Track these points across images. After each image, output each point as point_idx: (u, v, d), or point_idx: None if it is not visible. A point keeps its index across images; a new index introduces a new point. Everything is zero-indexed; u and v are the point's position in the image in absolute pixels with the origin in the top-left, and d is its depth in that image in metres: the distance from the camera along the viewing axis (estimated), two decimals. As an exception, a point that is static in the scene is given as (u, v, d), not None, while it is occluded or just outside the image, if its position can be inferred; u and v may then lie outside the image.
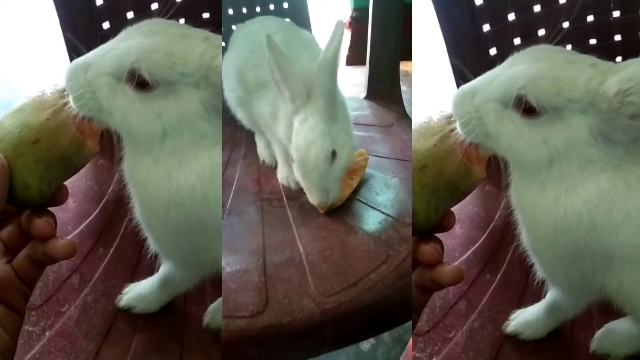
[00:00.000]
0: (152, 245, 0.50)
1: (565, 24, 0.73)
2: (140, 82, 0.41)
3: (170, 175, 0.43)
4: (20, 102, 0.41)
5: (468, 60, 0.73)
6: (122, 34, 0.43)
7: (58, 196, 0.41)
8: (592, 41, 0.74)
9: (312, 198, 0.60)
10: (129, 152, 0.45)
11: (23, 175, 0.38)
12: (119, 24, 0.44)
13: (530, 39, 0.75)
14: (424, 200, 0.41)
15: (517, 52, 0.44)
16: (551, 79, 0.39)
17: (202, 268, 0.51)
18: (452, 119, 0.44)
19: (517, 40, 0.75)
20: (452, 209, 0.43)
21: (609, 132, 0.39)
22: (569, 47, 0.74)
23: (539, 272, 0.49)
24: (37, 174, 0.38)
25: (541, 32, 0.75)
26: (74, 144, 0.40)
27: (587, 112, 0.39)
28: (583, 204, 0.40)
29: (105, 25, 0.72)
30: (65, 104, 0.41)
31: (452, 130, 0.43)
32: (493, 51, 0.75)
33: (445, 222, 0.42)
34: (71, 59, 0.43)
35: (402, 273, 0.53)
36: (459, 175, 0.42)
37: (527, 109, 0.40)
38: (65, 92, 0.41)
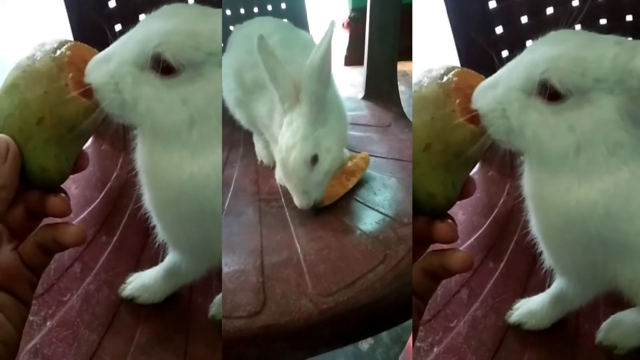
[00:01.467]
0: (160, 234, 0.49)
1: (575, 2, 0.72)
2: (164, 68, 0.38)
3: (182, 163, 0.41)
4: (11, 75, 0.38)
5: (473, 39, 0.71)
6: (141, 23, 0.41)
7: (79, 164, 0.40)
8: (603, 21, 0.72)
9: (294, 199, 0.60)
10: (146, 141, 0.43)
11: (38, 159, 0.36)
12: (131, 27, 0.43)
13: (538, 17, 0.73)
14: (439, 180, 0.38)
15: (535, 40, 0.41)
16: (574, 59, 0.37)
17: (209, 259, 0.50)
18: (443, 80, 0.40)
19: (524, 19, 0.74)
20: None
21: (639, 112, 0.37)
22: (578, 27, 0.73)
23: (547, 260, 0.48)
24: (51, 154, 0.37)
25: (549, 10, 0.73)
26: (81, 109, 0.37)
27: (615, 92, 0.37)
28: (599, 194, 0.38)
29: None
30: (59, 67, 0.37)
31: (447, 94, 0.40)
32: (499, 30, 0.74)
33: (465, 190, 0.40)
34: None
35: (399, 273, 0.53)
36: (467, 141, 0.39)
37: (551, 94, 0.37)
38: (57, 54, 0.38)
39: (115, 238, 0.61)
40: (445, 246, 0.40)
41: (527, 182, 0.44)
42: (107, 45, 0.41)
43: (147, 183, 0.45)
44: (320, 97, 0.58)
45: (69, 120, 0.37)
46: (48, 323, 0.51)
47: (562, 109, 0.38)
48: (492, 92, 0.40)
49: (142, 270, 0.56)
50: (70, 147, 0.38)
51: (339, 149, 0.62)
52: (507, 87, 0.39)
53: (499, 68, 0.42)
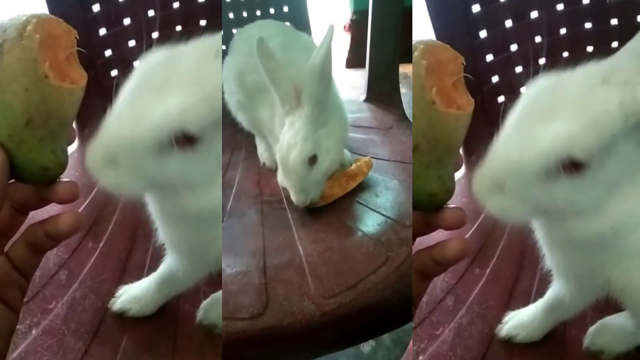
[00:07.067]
0: (162, 236, 0.48)
1: (560, 7, 0.72)
2: (187, 139, 0.37)
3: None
4: None
5: (457, 43, 0.69)
6: (132, 99, 0.38)
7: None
8: (588, 25, 0.72)
9: (292, 197, 0.61)
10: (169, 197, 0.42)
11: (36, 160, 0.34)
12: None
13: (522, 21, 0.73)
14: (435, 178, 0.36)
15: (514, 113, 0.38)
16: (587, 127, 0.35)
17: (208, 263, 0.49)
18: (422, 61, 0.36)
19: (508, 22, 0.73)
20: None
21: None
22: (563, 30, 0.72)
23: (548, 262, 0.47)
24: (47, 151, 0.34)
25: (534, 14, 0.73)
26: (66, 97, 0.34)
27: (630, 132, 0.36)
28: (610, 230, 0.38)
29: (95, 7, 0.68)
30: (33, 58, 0.33)
31: (420, 85, 0.35)
32: (483, 34, 0.74)
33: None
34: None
35: (401, 275, 0.53)
36: (453, 129, 0.36)
37: (575, 165, 0.36)
38: (24, 40, 0.33)
39: (101, 244, 0.59)
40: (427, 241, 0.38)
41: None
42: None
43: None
44: (321, 99, 0.59)
45: (58, 112, 0.34)
46: (33, 331, 0.49)
47: (588, 175, 0.37)
48: (499, 197, 0.38)
49: (128, 277, 0.55)
50: (63, 137, 0.36)
51: (338, 150, 0.62)
52: (519, 185, 0.37)
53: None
